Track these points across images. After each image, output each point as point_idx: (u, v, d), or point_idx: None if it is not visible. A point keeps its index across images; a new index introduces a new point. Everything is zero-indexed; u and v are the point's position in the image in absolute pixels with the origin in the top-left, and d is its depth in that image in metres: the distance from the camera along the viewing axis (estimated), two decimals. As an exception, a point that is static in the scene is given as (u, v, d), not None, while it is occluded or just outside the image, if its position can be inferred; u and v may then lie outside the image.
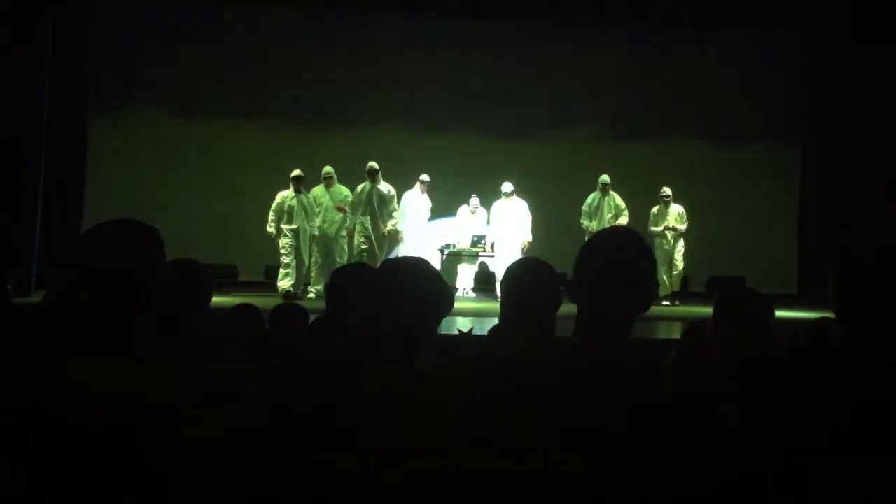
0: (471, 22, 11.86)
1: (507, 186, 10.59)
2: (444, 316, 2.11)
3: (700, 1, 11.28)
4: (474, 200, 11.31)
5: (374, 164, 10.26)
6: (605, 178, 10.78)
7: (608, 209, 10.68)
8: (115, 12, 11.37)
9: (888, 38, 10.35)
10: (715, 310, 2.71)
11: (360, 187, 10.34)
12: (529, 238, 10.57)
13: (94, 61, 11.10)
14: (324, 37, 11.84)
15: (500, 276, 10.39)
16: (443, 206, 11.18)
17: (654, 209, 10.81)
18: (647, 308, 1.79)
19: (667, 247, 10.64)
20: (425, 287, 2.00)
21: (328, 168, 10.40)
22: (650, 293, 1.80)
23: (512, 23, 11.84)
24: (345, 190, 10.43)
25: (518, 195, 10.67)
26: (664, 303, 10.44)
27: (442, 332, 7.33)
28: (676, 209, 10.72)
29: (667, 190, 10.72)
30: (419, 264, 2.11)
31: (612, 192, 10.76)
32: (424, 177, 10.72)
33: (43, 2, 9.74)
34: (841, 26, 11.05)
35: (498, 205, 10.73)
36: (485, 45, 11.93)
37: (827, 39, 11.49)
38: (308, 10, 11.79)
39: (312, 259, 10.22)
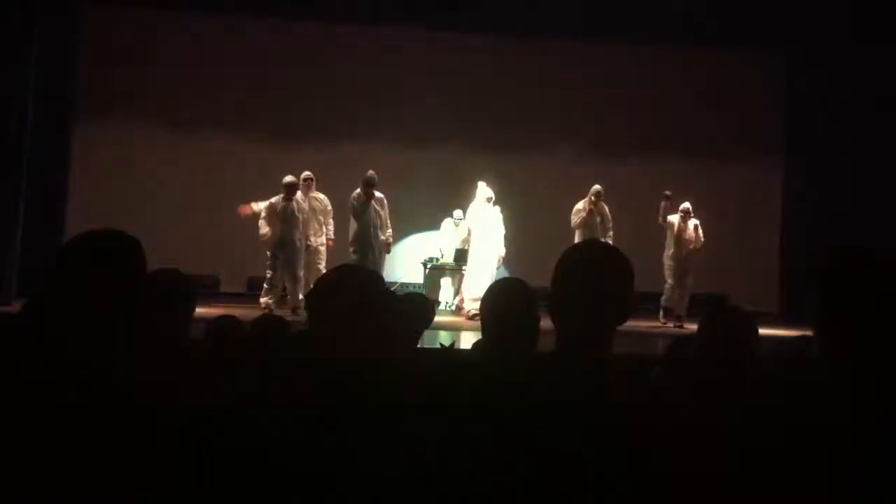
0: (457, 37, 11.91)
1: (488, 191, 10.25)
2: (425, 327, 2.13)
3: (684, 19, 11.35)
4: (458, 213, 11.31)
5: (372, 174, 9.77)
6: (598, 188, 10.39)
7: (599, 220, 10.36)
8: (101, 22, 11.36)
9: (874, 56, 10.46)
10: (700, 327, 2.73)
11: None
12: (503, 252, 10.36)
13: (80, 70, 11.08)
14: (310, 50, 11.89)
15: (470, 290, 10.19)
16: (426, 220, 11.18)
17: (672, 221, 10.33)
18: (625, 321, 1.79)
19: (681, 262, 10.25)
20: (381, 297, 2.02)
21: (307, 172, 10.05)
22: (627, 306, 1.81)
23: (499, 38, 11.90)
24: (321, 195, 10.18)
25: (501, 209, 10.51)
26: (669, 324, 10.14)
27: (424, 347, 7.34)
28: (693, 223, 10.34)
29: (686, 204, 10.30)
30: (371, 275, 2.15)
31: (602, 203, 10.41)
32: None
33: (30, 10, 9.72)
34: (826, 43, 11.16)
35: (477, 211, 10.33)
36: (470, 59, 11.99)
37: (811, 56, 11.60)
38: (296, 24, 11.83)
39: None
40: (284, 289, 9.76)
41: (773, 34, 11.65)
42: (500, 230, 10.38)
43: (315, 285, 2.06)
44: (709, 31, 11.49)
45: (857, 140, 10.78)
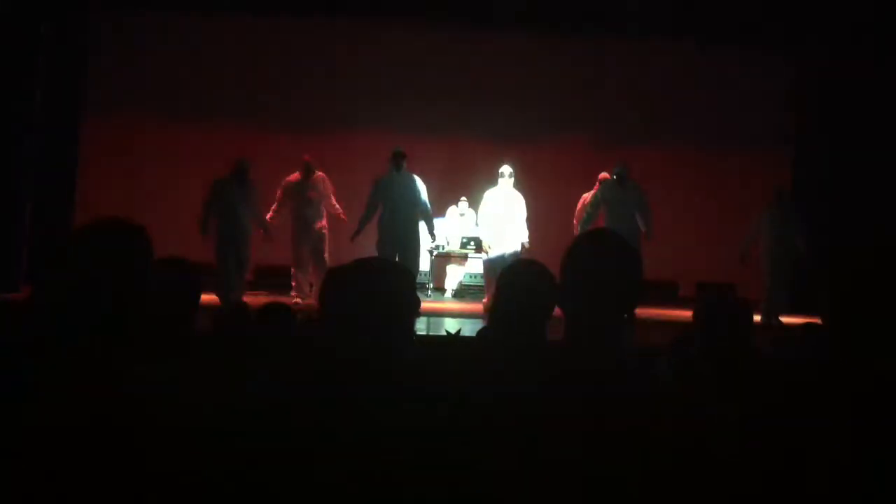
0: (463, 27, 11.86)
1: (507, 168, 9.40)
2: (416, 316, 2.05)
3: (697, 15, 11.29)
4: (463, 203, 11.32)
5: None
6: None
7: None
8: (111, 15, 11.38)
9: (882, 51, 10.41)
10: (693, 318, 2.74)
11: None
12: (526, 239, 9.37)
13: (89, 61, 11.12)
14: (317, 42, 11.87)
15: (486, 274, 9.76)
16: (432, 209, 11.12)
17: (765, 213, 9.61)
18: (633, 309, 1.78)
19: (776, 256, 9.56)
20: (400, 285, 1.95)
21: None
22: (635, 294, 1.79)
23: (506, 29, 11.84)
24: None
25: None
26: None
27: (430, 334, 7.36)
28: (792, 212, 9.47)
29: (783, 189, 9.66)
30: (390, 263, 2.08)
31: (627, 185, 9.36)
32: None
33: (38, 9, 9.74)
34: (836, 38, 11.09)
35: (494, 190, 9.44)
36: (476, 49, 11.95)
37: (822, 51, 11.52)
38: (302, 17, 11.79)
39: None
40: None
41: (787, 30, 11.56)
42: (521, 216, 9.37)
43: (329, 275, 1.95)
44: (718, 28, 11.43)
45: (867, 131, 10.73)
